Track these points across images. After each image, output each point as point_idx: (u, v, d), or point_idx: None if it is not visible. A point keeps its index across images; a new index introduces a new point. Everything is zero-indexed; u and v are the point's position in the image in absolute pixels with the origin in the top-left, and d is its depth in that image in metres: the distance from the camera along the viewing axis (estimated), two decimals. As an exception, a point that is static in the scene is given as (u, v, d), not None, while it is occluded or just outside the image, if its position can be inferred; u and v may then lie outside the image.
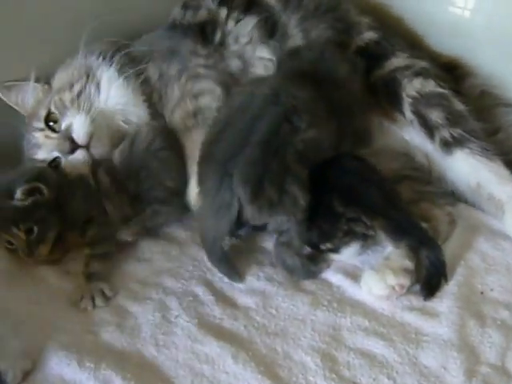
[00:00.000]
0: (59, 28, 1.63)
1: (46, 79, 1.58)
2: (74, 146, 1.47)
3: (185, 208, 1.44)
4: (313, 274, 1.33)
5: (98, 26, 1.53)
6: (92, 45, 1.59)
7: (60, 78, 1.57)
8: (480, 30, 1.63)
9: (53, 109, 1.51)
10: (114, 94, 1.53)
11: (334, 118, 1.35)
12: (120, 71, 1.53)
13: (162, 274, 1.36)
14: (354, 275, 1.32)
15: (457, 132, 1.44)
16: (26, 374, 1.16)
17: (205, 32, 1.63)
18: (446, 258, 1.27)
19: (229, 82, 1.55)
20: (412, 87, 1.51)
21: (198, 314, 1.26)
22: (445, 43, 1.68)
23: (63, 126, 1.50)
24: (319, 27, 1.62)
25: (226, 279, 1.33)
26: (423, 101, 1.49)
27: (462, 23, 1.65)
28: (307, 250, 1.30)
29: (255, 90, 1.36)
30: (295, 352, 1.18)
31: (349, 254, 1.33)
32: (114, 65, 1.54)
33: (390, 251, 1.29)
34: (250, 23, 1.62)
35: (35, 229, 1.33)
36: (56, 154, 1.48)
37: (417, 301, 1.26)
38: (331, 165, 1.31)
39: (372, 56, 1.58)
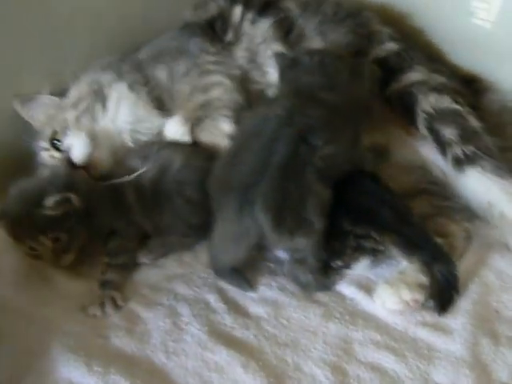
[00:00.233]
0: (80, 39, 1.63)
1: (62, 93, 1.56)
2: (74, 167, 1.45)
3: (206, 236, 1.42)
4: (326, 288, 1.32)
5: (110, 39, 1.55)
6: (102, 58, 1.59)
7: (71, 94, 1.55)
8: (501, 43, 1.61)
9: (57, 128, 1.50)
10: (123, 113, 1.51)
11: (348, 125, 1.34)
12: (131, 86, 1.52)
13: (173, 280, 1.36)
14: (367, 288, 1.31)
15: (469, 149, 1.43)
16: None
17: (214, 29, 1.63)
18: (460, 275, 1.27)
19: (239, 76, 1.56)
20: (427, 102, 1.50)
21: (208, 321, 1.26)
22: (465, 56, 1.66)
23: (65, 145, 1.48)
24: (339, 31, 1.61)
25: (238, 287, 1.33)
26: (437, 117, 1.48)
27: (483, 36, 1.62)
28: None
29: (268, 112, 1.33)
30: (305, 364, 1.17)
31: (360, 269, 1.32)
32: (124, 79, 1.53)
33: (405, 266, 1.28)
34: (265, 24, 1.61)
35: (63, 238, 1.33)
36: None
37: (430, 316, 1.25)
38: (343, 184, 1.30)
39: (390, 69, 1.57)
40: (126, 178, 1.39)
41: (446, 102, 1.50)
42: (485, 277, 1.33)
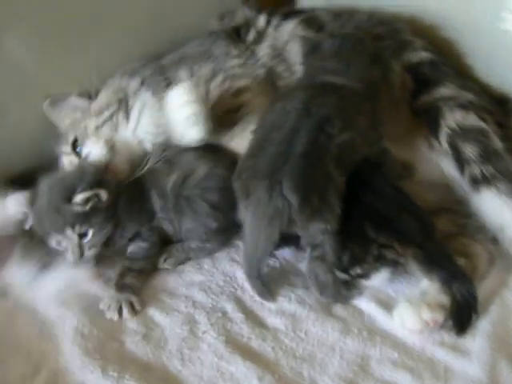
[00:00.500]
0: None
1: (93, 94, 1.56)
2: None
3: (228, 242, 1.44)
4: (343, 299, 1.31)
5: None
6: (129, 64, 1.59)
7: (98, 99, 1.55)
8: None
9: (78, 134, 1.51)
10: (145, 123, 1.51)
11: (364, 109, 1.36)
12: (155, 92, 1.51)
13: (192, 287, 1.35)
14: (386, 304, 1.29)
15: (487, 170, 1.41)
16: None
17: (239, 34, 1.63)
18: (481, 295, 1.25)
19: (264, 75, 1.55)
20: (453, 118, 1.48)
21: (226, 331, 1.25)
22: (497, 74, 1.63)
23: (84, 153, 1.49)
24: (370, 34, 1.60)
25: (256, 298, 1.32)
26: (461, 134, 1.46)
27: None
28: (340, 275, 1.29)
29: (286, 106, 1.36)
30: (321, 378, 1.16)
31: (379, 281, 1.31)
32: (148, 85, 1.53)
33: (427, 285, 1.27)
34: (291, 24, 1.62)
35: (90, 233, 1.34)
36: None
37: (449, 337, 1.23)
38: (368, 189, 1.31)
39: (422, 79, 1.56)
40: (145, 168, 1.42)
41: (471, 120, 1.48)
42: (506, 298, 1.31)
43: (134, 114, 1.51)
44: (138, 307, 1.30)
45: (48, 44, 1.52)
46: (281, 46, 1.59)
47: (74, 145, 1.51)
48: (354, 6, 1.70)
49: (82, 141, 1.50)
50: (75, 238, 1.33)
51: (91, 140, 1.49)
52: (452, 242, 1.36)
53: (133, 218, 1.39)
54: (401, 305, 1.26)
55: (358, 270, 1.30)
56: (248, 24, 1.65)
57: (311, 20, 1.63)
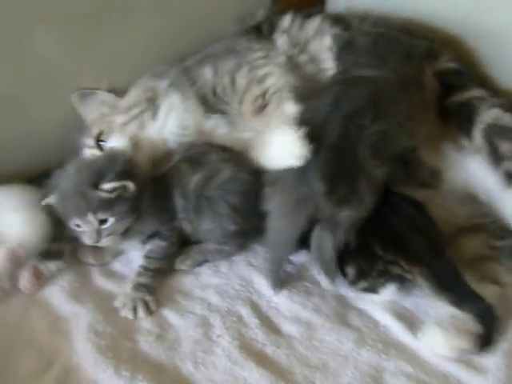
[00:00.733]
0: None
1: (121, 91, 1.57)
2: None
3: (246, 246, 1.44)
4: (334, 276, 1.30)
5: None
6: (157, 67, 1.59)
7: (127, 97, 1.55)
8: None
9: (104, 128, 1.51)
10: (172, 124, 1.51)
11: (399, 101, 1.39)
12: (182, 93, 1.52)
13: (207, 289, 1.35)
14: (402, 316, 1.28)
15: None
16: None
17: (261, 31, 1.65)
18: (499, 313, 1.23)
19: (285, 61, 1.56)
20: (488, 115, 1.48)
21: (240, 336, 1.24)
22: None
23: (107, 147, 1.50)
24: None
25: (272, 304, 1.31)
26: (497, 130, 1.46)
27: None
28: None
29: (317, 103, 1.39)
30: (334, 389, 1.16)
31: (387, 295, 1.30)
32: (175, 86, 1.53)
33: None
34: (315, 21, 1.63)
35: (111, 220, 1.33)
36: None
37: (465, 353, 1.22)
38: (387, 206, 1.31)
39: (450, 85, 1.56)
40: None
41: (507, 119, 1.47)
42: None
43: (161, 114, 1.51)
44: (153, 307, 1.30)
45: (75, 40, 1.52)
46: (304, 40, 1.61)
47: (98, 139, 1.51)
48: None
49: (107, 135, 1.51)
50: (95, 223, 1.32)
51: (116, 135, 1.50)
52: (483, 266, 1.35)
53: (155, 214, 1.39)
54: (430, 327, 1.23)
55: (364, 284, 1.29)
56: (270, 20, 1.66)
57: (337, 18, 1.64)
